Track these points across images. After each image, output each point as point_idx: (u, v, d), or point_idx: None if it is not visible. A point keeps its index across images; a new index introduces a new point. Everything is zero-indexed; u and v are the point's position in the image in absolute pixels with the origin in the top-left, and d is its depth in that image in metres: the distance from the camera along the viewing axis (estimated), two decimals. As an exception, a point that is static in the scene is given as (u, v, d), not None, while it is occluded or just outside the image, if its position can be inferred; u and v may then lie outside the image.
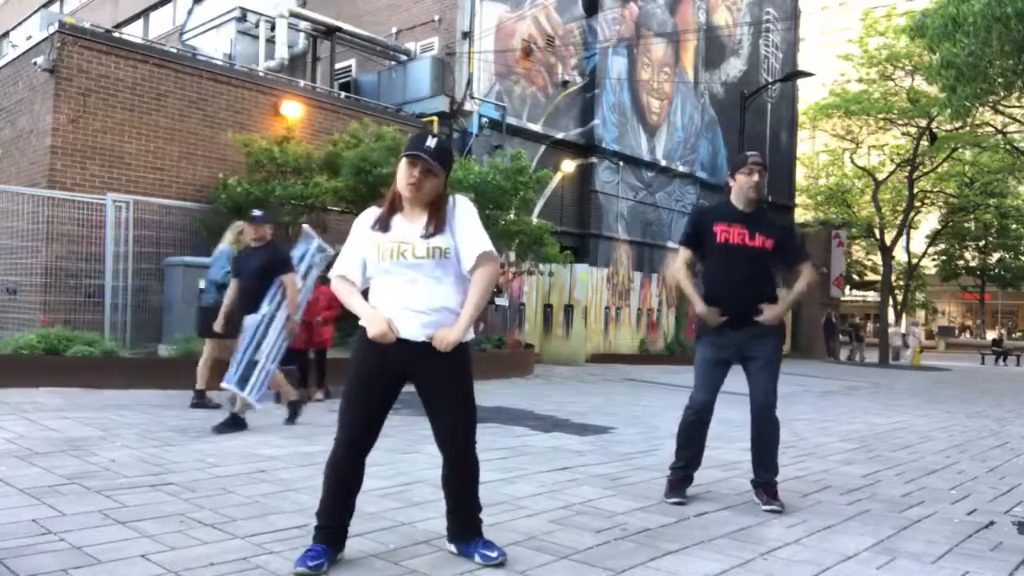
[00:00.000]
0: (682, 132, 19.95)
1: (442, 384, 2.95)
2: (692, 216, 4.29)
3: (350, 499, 2.99)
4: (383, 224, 2.94)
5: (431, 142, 2.91)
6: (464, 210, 2.98)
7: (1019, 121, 22.49)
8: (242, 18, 15.22)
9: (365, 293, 3.04)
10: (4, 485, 3.94)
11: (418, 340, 2.87)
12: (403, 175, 2.91)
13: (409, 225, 2.93)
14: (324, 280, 8.34)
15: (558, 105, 16.84)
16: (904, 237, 29.76)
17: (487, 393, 8.12)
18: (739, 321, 4.00)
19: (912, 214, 27.68)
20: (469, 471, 3.06)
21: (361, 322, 2.93)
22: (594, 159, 17.46)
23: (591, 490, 4.39)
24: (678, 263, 4.22)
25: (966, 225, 34.23)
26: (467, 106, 14.73)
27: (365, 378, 2.94)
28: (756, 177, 4.04)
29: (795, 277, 4.20)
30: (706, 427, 4.17)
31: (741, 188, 4.09)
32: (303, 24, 15.61)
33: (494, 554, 2.99)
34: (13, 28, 26.65)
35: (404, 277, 2.90)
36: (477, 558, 2.99)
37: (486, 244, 2.92)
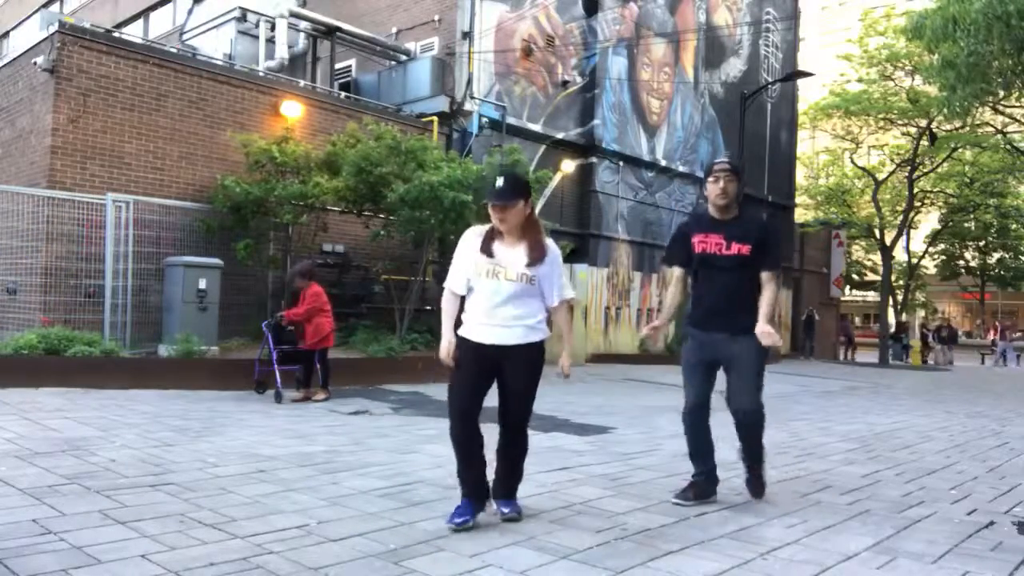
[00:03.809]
0: (682, 132, 19.94)
1: (518, 376, 3.62)
2: (676, 233, 4.38)
3: (478, 456, 3.61)
4: (486, 249, 3.57)
5: (499, 183, 3.52)
6: (557, 259, 3.68)
7: (1019, 121, 22.48)
8: (242, 18, 15.21)
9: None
10: (4, 485, 3.94)
11: (503, 344, 3.56)
12: (493, 218, 3.57)
13: (508, 251, 3.58)
14: (313, 276, 8.39)
15: (558, 105, 16.83)
16: (904, 237, 29.75)
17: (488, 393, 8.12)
18: (721, 326, 4.08)
19: (912, 214, 27.68)
20: (522, 444, 3.76)
21: (467, 333, 3.64)
22: (594, 159, 17.45)
23: (591, 490, 4.39)
24: (671, 283, 4.39)
25: (966, 225, 34.21)
26: (467, 106, 14.72)
27: (465, 371, 3.59)
28: (722, 184, 4.06)
29: (760, 287, 4.14)
30: (707, 427, 4.17)
31: (710, 197, 4.16)
32: (303, 24, 15.60)
33: (507, 509, 3.67)
34: (13, 28, 26.67)
35: (495, 293, 3.55)
36: (504, 509, 3.67)
37: (571, 292, 3.76)
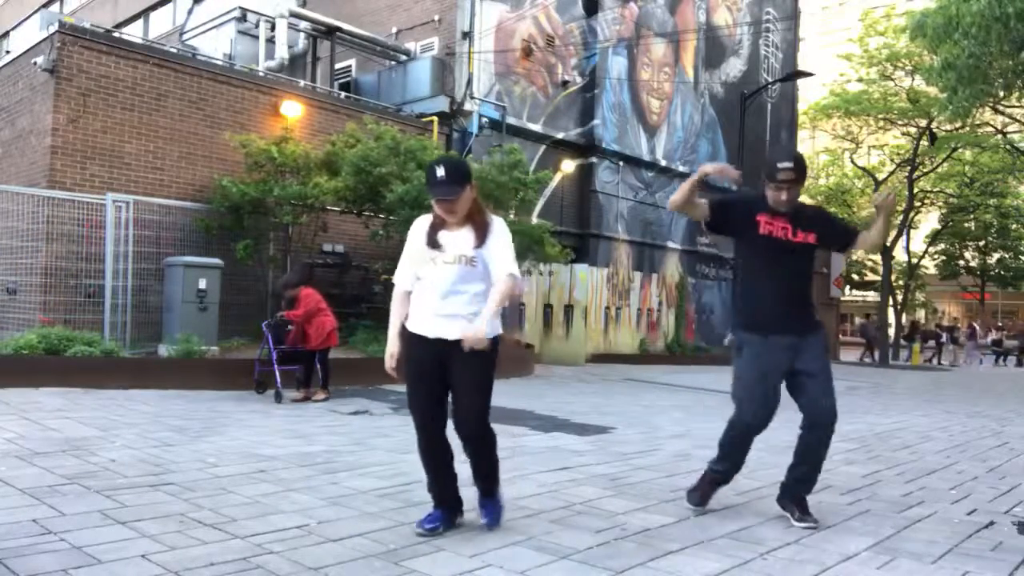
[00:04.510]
0: (682, 132, 19.95)
1: (464, 374, 3.32)
2: (736, 195, 4.00)
3: (448, 469, 3.47)
4: (432, 240, 3.36)
5: (440, 172, 3.26)
6: (499, 232, 3.40)
7: (1019, 121, 22.50)
8: (242, 18, 15.22)
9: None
10: (4, 485, 3.94)
11: (448, 339, 3.30)
12: (437, 209, 3.37)
13: (452, 236, 3.36)
14: (306, 281, 8.39)
15: (558, 105, 16.83)
16: (904, 237, 29.77)
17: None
18: (788, 329, 3.72)
19: (912, 214, 27.71)
20: (482, 448, 3.44)
21: (411, 326, 3.42)
22: (594, 159, 17.46)
23: (591, 490, 4.38)
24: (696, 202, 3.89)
25: (966, 225, 34.24)
26: (467, 106, 14.72)
27: (415, 372, 3.39)
28: (784, 196, 3.68)
29: (860, 243, 3.87)
30: (752, 441, 3.89)
31: (771, 201, 3.76)
32: (303, 24, 15.61)
33: (485, 519, 3.50)
34: (13, 28, 26.65)
35: (436, 280, 3.33)
36: (484, 520, 3.50)
37: (513, 266, 3.36)
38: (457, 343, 3.26)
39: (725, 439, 3.89)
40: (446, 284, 3.31)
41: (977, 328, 29.93)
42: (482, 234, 3.34)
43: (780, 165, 3.66)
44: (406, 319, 3.46)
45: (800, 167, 3.69)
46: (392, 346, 3.45)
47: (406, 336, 3.42)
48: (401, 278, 3.49)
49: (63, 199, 9.57)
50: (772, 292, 3.76)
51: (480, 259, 3.32)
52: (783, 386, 3.82)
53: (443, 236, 3.36)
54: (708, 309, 20.19)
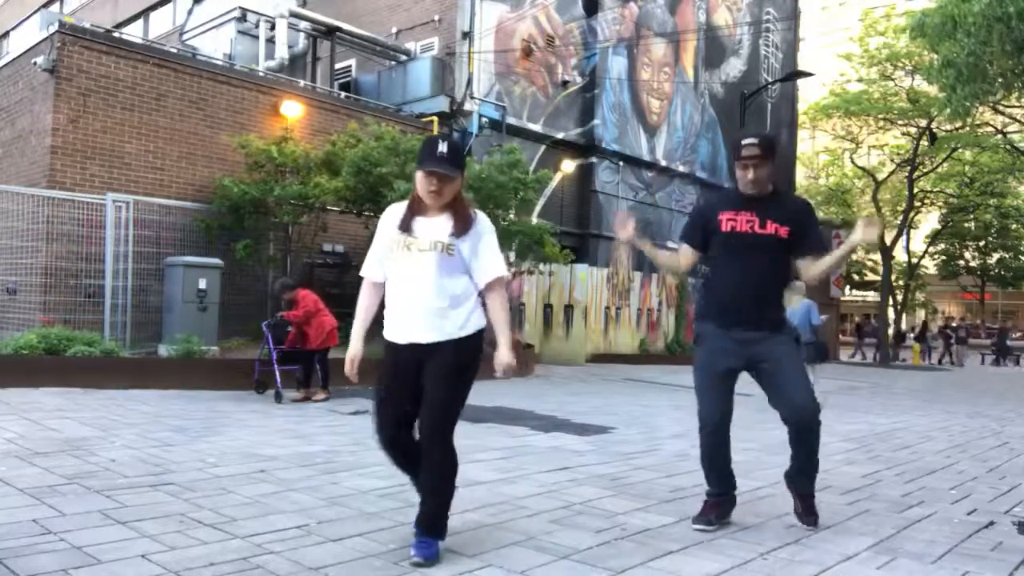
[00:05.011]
0: (682, 132, 19.95)
1: (436, 379, 3.03)
2: (695, 210, 3.79)
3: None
4: (405, 224, 3.08)
5: (442, 148, 3.01)
6: (485, 228, 3.13)
7: (1019, 121, 22.52)
8: (242, 18, 15.22)
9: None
10: (4, 485, 3.94)
11: (420, 343, 3.04)
12: (423, 187, 3.05)
13: (428, 223, 3.07)
14: (302, 284, 8.40)
15: (558, 105, 16.83)
16: (904, 237, 29.78)
17: (486, 393, 8.13)
18: (746, 322, 3.57)
19: (912, 214, 27.73)
20: (439, 464, 3.05)
21: (385, 332, 3.14)
22: (594, 159, 17.45)
23: (591, 490, 4.38)
24: (678, 253, 3.89)
25: (966, 225, 34.26)
26: (467, 106, 14.72)
27: (385, 380, 3.13)
28: (751, 175, 3.53)
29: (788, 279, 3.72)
30: (726, 443, 3.72)
31: (739, 183, 3.64)
32: (303, 24, 15.61)
33: (415, 551, 2.98)
34: (13, 28, 26.66)
35: (409, 269, 3.04)
36: (413, 550, 3.00)
37: (502, 268, 3.15)
38: (432, 347, 3.01)
39: (704, 454, 3.77)
40: (420, 276, 3.00)
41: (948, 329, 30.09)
42: (462, 224, 3.04)
43: (744, 142, 3.55)
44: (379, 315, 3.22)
45: (766, 145, 3.56)
46: (353, 348, 3.17)
47: (384, 338, 3.15)
48: (369, 269, 3.21)
49: (63, 199, 9.57)
50: (731, 286, 3.63)
51: (458, 250, 3.03)
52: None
53: (418, 222, 3.07)
54: (708, 309, 20.16)
